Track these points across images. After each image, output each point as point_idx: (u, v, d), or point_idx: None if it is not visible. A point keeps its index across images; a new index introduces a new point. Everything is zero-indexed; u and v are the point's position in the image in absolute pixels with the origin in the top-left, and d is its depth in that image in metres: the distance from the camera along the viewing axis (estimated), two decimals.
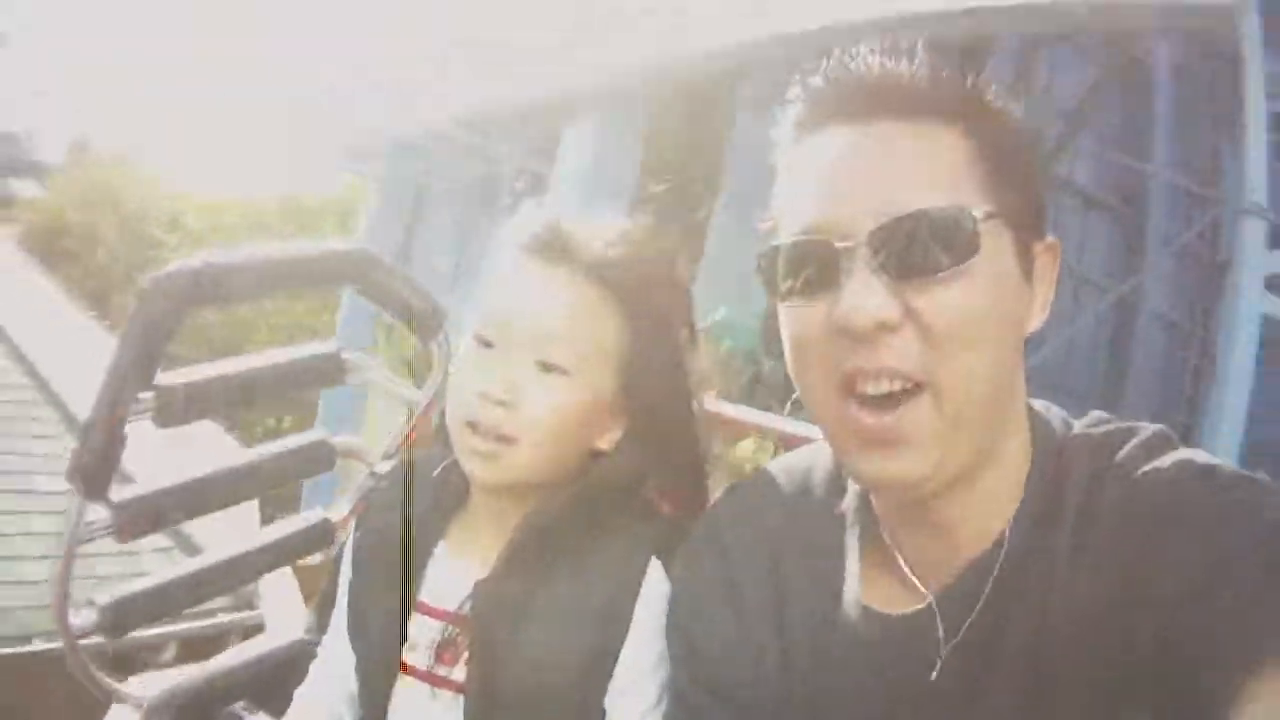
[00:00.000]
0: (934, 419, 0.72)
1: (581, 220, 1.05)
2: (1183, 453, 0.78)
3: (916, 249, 0.70)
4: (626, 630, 0.99)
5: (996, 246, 0.73)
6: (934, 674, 0.81)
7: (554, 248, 1.01)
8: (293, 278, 1.35)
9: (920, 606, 0.83)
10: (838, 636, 0.87)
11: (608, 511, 1.02)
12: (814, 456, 0.97)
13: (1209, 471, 0.75)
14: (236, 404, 1.42)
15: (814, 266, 0.74)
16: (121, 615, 1.32)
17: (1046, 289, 0.79)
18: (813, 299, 0.74)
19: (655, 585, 1.00)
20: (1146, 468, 0.76)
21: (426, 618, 1.06)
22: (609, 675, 1.00)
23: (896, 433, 0.73)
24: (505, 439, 0.98)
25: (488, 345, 1.01)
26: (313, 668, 1.21)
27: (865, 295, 0.70)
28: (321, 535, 1.41)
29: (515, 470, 1.00)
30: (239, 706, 1.21)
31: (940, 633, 0.81)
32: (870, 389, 0.73)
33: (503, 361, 0.99)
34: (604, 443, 1.04)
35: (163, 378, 1.25)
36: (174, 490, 1.27)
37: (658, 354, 1.02)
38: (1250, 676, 0.63)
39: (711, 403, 1.11)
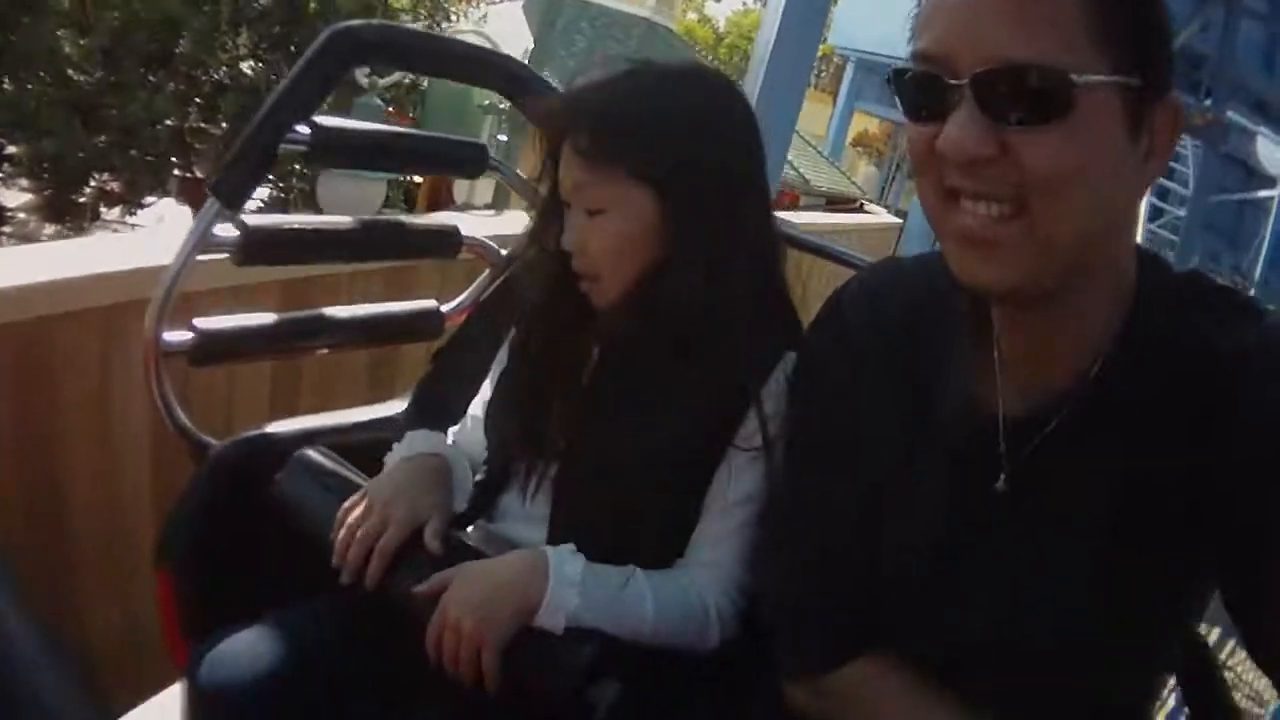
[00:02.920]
0: (1027, 240, 0.77)
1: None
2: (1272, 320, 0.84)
3: (1013, 98, 0.74)
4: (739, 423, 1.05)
5: (1101, 107, 0.75)
6: (999, 485, 0.89)
7: (564, 115, 1.09)
8: (458, 71, 1.32)
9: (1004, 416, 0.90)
10: (930, 433, 0.94)
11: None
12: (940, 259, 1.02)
13: None
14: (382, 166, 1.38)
15: (927, 95, 0.79)
16: (212, 346, 1.29)
17: (1165, 146, 0.82)
18: (926, 121, 0.80)
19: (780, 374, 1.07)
20: (1234, 334, 0.81)
21: None
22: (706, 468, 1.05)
23: (992, 238, 0.78)
24: (589, 278, 1.09)
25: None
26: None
27: (965, 131, 0.76)
28: (431, 323, 1.38)
29: (607, 299, 1.09)
30: (314, 448, 1.16)
31: (1003, 449, 0.89)
32: (968, 205, 0.79)
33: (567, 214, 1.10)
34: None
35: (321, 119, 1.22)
36: (308, 236, 1.24)
37: (691, 183, 1.07)
38: None
39: None
